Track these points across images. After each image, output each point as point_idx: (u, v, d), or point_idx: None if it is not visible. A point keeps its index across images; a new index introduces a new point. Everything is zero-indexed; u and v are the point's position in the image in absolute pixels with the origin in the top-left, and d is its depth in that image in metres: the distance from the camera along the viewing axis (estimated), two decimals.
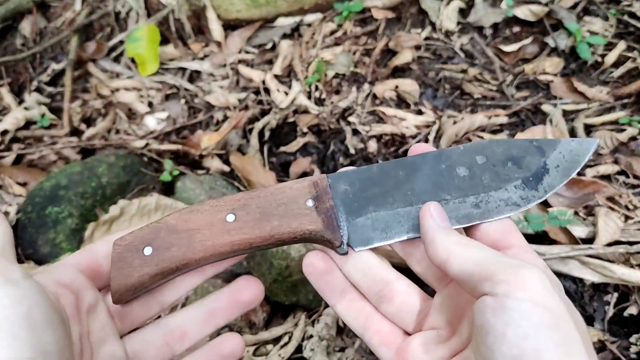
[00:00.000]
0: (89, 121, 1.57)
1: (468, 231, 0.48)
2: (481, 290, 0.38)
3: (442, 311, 0.46)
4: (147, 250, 0.46)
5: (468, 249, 0.41)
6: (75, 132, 1.51)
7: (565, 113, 1.37)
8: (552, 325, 0.34)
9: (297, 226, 0.46)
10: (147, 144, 1.42)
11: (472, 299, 0.42)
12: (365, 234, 0.47)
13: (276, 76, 1.58)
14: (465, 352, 0.40)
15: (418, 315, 0.47)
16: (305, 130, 1.43)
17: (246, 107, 1.51)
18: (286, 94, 1.53)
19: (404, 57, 1.53)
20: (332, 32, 1.67)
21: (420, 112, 1.42)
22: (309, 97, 1.51)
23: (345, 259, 0.48)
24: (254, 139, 1.42)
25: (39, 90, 1.63)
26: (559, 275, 1.02)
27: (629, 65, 1.44)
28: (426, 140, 1.35)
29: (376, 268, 0.48)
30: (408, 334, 0.47)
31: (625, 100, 1.38)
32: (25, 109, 1.53)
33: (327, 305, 1.08)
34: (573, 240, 1.06)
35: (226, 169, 1.36)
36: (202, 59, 1.69)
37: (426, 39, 1.62)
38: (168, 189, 1.30)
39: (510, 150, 0.49)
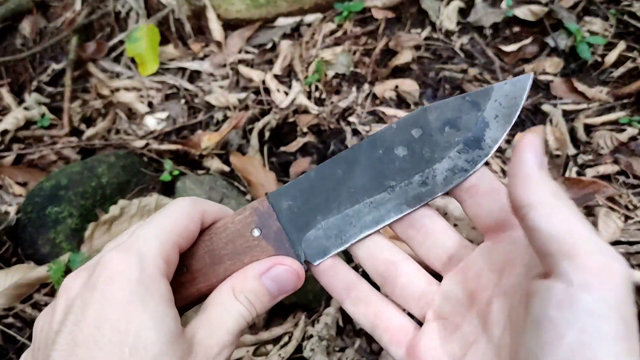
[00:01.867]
0: (89, 121, 1.57)
1: (469, 209, 0.43)
2: (555, 267, 0.31)
3: (449, 298, 0.43)
4: None
5: (564, 207, 0.33)
6: (75, 132, 1.51)
7: (565, 113, 1.37)
8: (622, 337, 0.28)
9: (249, 260, 0.44)
10: (147, 144, 1.42)
11: (483, 285, 0.39)
12: (320, 245, 0.45)
13: (276, 76, 1.58)
14: (480, 346, 0.38)
15: (422, 298, 0.44)
16: (305, 130, 1.43)
17: (246, 107, 1.51)
18: (286, 94, 1.53)
19: (404, 57, 1.54)
20: (332, 32, 1.67)
21: None
22: (309, 97, 1.51)
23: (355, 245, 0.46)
24: (254, 139, 1.42)
25: (39, 90, 1.63)
26: None
27: (629, 65, 1.44)
28: None
29: (385, 249, 0.45)
30: (420, 324, 0.45)
31: (625, 100, 1.38)
32: (25, 109, 1.53)
33: (327, 305, 1.08)
34: None
35: (226, 169, 1.36)
36: (202, 59, 1.69)
37: (426, 39, 1.62)
38: (168, 189, 1.30)
39: (445, 113, 0.45)
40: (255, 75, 1.59)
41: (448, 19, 1.63)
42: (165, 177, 1.29)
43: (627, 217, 1.10)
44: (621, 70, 1.44)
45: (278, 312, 1.13)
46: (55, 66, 1.66)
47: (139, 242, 0.39)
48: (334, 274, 0.46)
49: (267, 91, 1.55)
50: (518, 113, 0.44)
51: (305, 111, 1.46)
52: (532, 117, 1.39)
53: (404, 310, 0.46)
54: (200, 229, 0.44)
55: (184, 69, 1.67)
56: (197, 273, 0.44)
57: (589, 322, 0.28)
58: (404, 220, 0.45)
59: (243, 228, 0.45)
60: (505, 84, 0.45)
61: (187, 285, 0.44)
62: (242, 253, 0.44)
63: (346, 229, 0.45)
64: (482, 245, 0.43)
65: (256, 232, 0.45)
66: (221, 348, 0.40)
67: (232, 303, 0.42)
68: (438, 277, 0.46)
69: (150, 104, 1.60)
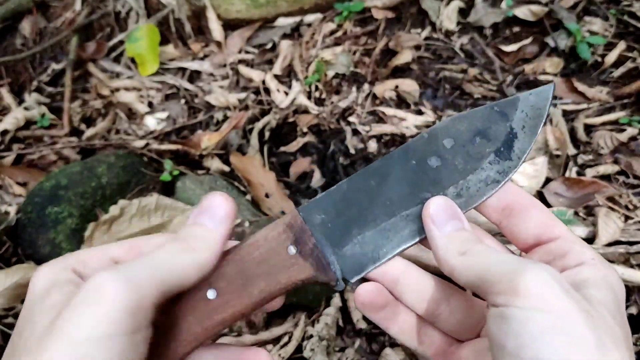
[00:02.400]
0: (89, 121, 1.57)
1: (506, 230, 0.44)
2: (489, 301, 0.36)
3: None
4: None
5: (469, 260, 0.38)
6: (75, 132, 1.51)
7: (565, 113, 1.37)
8: (554, 328, 0.32)
9: (287, 280, 0.42)
10: (147, 144, 1.42)
11: None
12: (357, 261, 0.43)
13: (276, 76, 1.58)
14: None
15: (476, 325, 0.45)
16: (305, 130, 1.43)
17: (246, 107, 1.51)
18: (286, 94, 1.53)
19: (404, 57, 1.54)
20: (332, 32, 1.67)
21: (420, 112, 1.42)
22: (309, 97, 1.51)
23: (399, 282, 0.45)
24: (254, 139, 1.42)
25: (39, 90, 1.63)
26: None
27: (629, 65, 1.44)
28: None
29: (428, 287, 0.45)
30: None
31: (625, 100, 1.38)
32: (25, 109, 1.53)
33: (327, 305, 1.08)
34: None
35: (226, 169, 1.36)
36: (202, 59, 1.69)
37: (426, 39, 1.62)
38: (168, 189, 1.30)
39: (474, 123, 0.45)
40: (255, 75, 1.59)
41: (448, 19, 1.63)
42: (165, 177, 1.29)
43: (627, 217, 1.10)
44: (621, 70, 1.44)
45: (278, 312, 1.13)
46: (55, 66, 1.66)
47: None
48: (386, 309, 0.45)
49: (267, 91, 1.55)
50: (543, 124, 0.45)
51: (305, 111, 1.46)
52: None
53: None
54: (228, 249, 0.42)
55: (184, 69, 1.67)
56: (229, 296, 0.40)
57: (519, 327, 0.33)
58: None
59: (278, 246, 0.42)
60: (530, 94, 0.45)
61: (220, 310, 0.40)
62: (279, 272, 0.41)
63: (383, 243, 0.43)
64: None
65: (292, 250, 0.42)
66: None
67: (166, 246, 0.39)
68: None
69: (150, 104, 1.60)
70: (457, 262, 0.39)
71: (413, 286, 0.45)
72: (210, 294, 0.40)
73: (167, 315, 0.39)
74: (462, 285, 0.39)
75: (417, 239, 0.43)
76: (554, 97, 1.43)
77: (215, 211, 0.40)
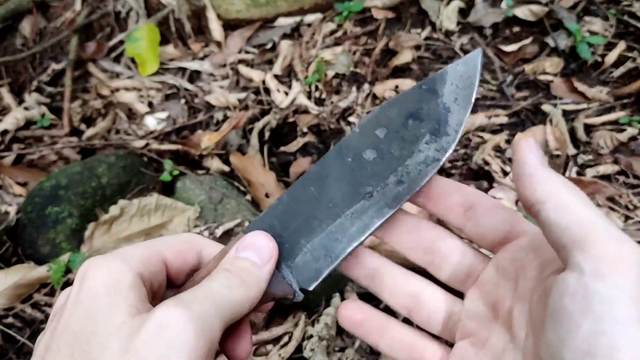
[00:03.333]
0: (89, 121, 1.57)
1: (471, 232, 0.44)
2: (569, 259, 0.31)
3: (473, 314, 0.43)
4: None
5: (575, 197, 0.33)
6: (75, 132, 1.51)
7: (565, 113, 1.37)
8: (637, 320, 0.28)
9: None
10: (147, 144, 1.42)
11: (502, 295, 0.40)
12: (311, 269, 0.43)
13: (276, 76, 1.58)
14: (509, 354, 0.38)
15: (449, 321, 0.44)
16: (305, 130, 1.43)
17: (246, 107, 1.51)
18: (286, 94, 1.53)
19: (404, 57, 1.54)
20: (332, 32, 1.67)
21: None
22: (309, 97, 1.51)
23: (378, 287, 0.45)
24: (254, 139, 1.42)
25: (39, 90, 1.63)
26: None
27: (629, 65, 1.44)
28: None
29: (404, 282, 0.45)
30: (451, 345, 0.45)
31: (625, 100, 1.38)
32: (25, 109, 1.53)
33: (327, 305, 1.08)
34: None
35: (226, 169, 1.36)
36: (202, 59, 1.69)
37: (426, 39, 1.62)
38: (168, 189, 1.30)
39: (405, 107, 0.44)
40: (255, 75, 1.59)
41: (448, 19, 1.63)
42: (165, 177, 1.29)
43: (627, 217, 1.10)
44: (621, 70, 1.44)
45: (278, 312, 1.13)
46: (55, 66, 1.66)
47: (122, 249, 0.38)
48: (369, 323, 0.46)
49: (267, 91, 1.55)
50: (475, 92, 0.44)
51: (305, 111, 1.46)
52: (532, 117, 1.39)
53: (433, 335, 0.46)
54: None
55: (184, 69, 1.67)
56: None
57: (602, 309, 0.29)
58: (418, 248, 0.45)
59: None
60: (457, 64, 0.44)
61: None
62: None
63: (333, 246, 0.43)
64: (494, 258, 0.43)
65: None
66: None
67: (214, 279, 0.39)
68: (460, 294, 0.46)
69: (150, 104, 1.60)
70: (562, 193, 0.34)
71: (389, 281, 0.45)
72: None
73: None
74: (543, 220, 0.34)
75: (367, 234, 0.43)
76: (554, 97, 1.43)
77: (262, 250, 0.41)
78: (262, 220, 0.44)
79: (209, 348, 0.33)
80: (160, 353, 0.31)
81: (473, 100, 0.43)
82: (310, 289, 0.43)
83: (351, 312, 0.46)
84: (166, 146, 1.40)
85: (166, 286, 0.42)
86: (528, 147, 0.37)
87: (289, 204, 0.44)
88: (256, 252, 0.41)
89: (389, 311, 0.49)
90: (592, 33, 1.53)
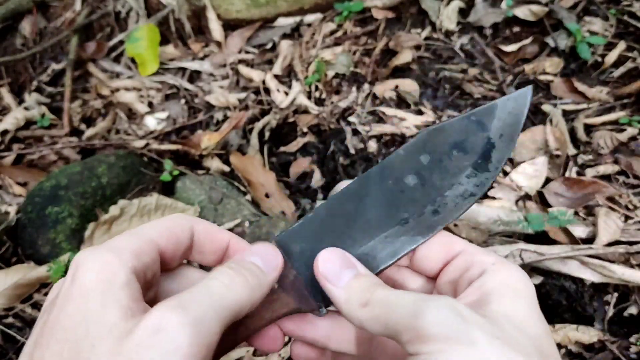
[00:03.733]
0: (89, 121, 1.57)
1: (413, 255, 0.44)
2: (404, 350, 0.34)
3: None
4: None
5: (373, 311, 0.36)
6: (75, 132, 1.51)
7: (565, 113, 1.37)
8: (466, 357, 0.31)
9: (270, 315, 0.41)
10: (147, 144, 1.42)
11: None
12: None
13: (276, 76, 1.58)
14: None
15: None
16: (305, 130, 1.43)
17: (246, 107, 1.51)
18: (286, 94, 1.53)
19: (404, 57, 1.54)
20: (332, 32, 1.67)
21: (420, 112, 1.42)
22: (309, 97, 1.51)
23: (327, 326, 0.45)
24: (254, 139, 1.42)
25: (39, 90, 1.63)
26: (559, 275, 1.02)
27: (629, 65, 1.44)
28: None
29: (355, 331, 0.44)
30: None
31: (625, 100, 1.38)
32: (25, 109, 1.53)
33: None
34: (573, 240, 1.06)
35: (226, 169, 1.36)
36: (202, 59, 1.69)
37: (426, 39, 1.62)
38: (168, 189, 1.30)
39: (451, 135, 0.44)
40: (255, 75, 1.59)
41: (448, 19, 1.63)
42: (165, 177, 1.29)
43: (627, 217, 1.10)
44: (621, 70, 1.44)
45: None
46: (55, 66, 1.66)
47: (114, 241, 0.37)
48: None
49: (267, 91, 1.55)
50: (520, 130, 0.44)
51: (305, 111, 1.46)
52: (532, 117, 1.39)
53: None
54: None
55: (184, 69, 1.67)
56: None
57: None
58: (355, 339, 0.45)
59: None
60: (507, 99, 0.44)
61: None
62: (262, 309, 0.41)
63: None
64: None
65: (274, 285, 0.42)
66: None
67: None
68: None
69: (150, 104, 1.60)
70: (363, 315, 0.37)
71: (344, 336, 0.44)
72: None
73: None
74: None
75: (396, 259, 0.43)
76: (554, 97, 1.43)
77: (269, 258, 0.41)
78: (297, 231, 0.44)
79: (206, 352, 0.32)
80: (152, 357, 0.30)
81: (517, 139, 0.44)
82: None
83: (304, 352, 0.46)
84: (166, 146, 1.40)
85: (161, 270, 0.41)
86: (317, 271, 0.41)
87: (325, 218, 0.44)
88: (263, 259, 0.41)
89: None
90: (592, 33, 1.53)
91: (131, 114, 1.58)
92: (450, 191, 0.43)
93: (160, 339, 0.31)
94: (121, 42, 1.72)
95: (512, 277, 0.38)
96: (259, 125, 1.45)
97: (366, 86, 1.50)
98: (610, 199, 1.14)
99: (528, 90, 0.44)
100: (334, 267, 0.40)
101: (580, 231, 1.07)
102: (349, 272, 0.40)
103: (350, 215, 0.44)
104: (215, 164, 1.37)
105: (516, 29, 1.61)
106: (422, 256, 0.43)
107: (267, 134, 1.44)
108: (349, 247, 0.43)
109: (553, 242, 1.06)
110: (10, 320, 1.06)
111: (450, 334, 0.31)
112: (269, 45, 1.69)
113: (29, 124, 1.52)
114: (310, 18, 1.71)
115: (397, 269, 0.46)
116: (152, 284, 0.40)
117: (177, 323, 0.31)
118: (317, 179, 1.33)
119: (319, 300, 0.42)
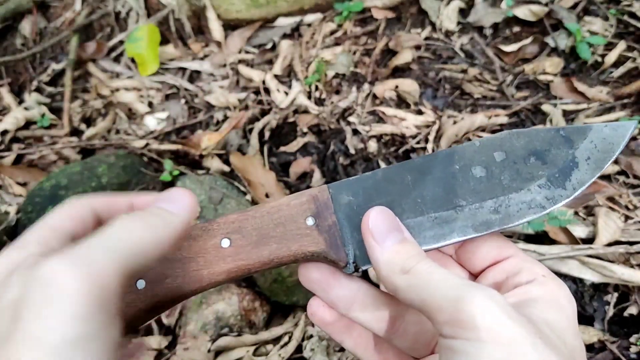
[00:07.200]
0: (89, 121, 1.57)
1: (462, 246, 0.44)
2: (436, 329, 0.34)
3: None
4: (140, 284, 0.40)
5: (412, 280, 0.36)
6: (75, 132, 1.51)
7: (565, 113, 1.37)
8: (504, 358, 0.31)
9: (297, 249, 0.42)
10: (147, 144, 1.42)
11: None
12: None
13: (276, 76, 1.58)
14: None
15: (430, 342, 0.44)
16: (305, 130, 1.43)
17: (246, 107, 1.51)
18: (286, 94, 1.53)
19: (404, 57, 1.54)
20: (332, 32, 1.67)
21: (420, 112, 1.42)
22: (309, 97, 1.51)
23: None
24: (254, 139, 1.42)
25: (39, 90, 1.63)
26: (559, 275, 1.02)
27: (629, 65, 1.44)
28: (426, 141, 1.35)
29: (382, 306, 0.44)
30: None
31: (625, 100, 1.38)
32: (25, 109, 1.53)
33: None
34: (573, 240, 1.06)
35: (226, 169, 1.36)
36: (202, 59, 1.69)
37: (426, 39, 1.62)
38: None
39: (533, 142, 0.43)
40: (255, 75, 1.59)
41: (448, 19, 1.63)
42: (165, 177, 1.29)
43: (627, 217, 1.10)
44: (621, 70, 1.44)
45: (278, 312, 1.13)
46: (55, 66, 1.66)
47: (20, 238, 0.35)
48: (337, 322, 0.46)
49: (267, 91, 1.55)
50: (612, 160, 0.42)
51: (305, 111, 1.46)
52: (532, 117, 1.39)
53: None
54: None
55: (184, 69, 1.67)
56: (241, 249, 0.42)
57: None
58: (383, 320, 0.45)
59: (298, 214, 0.43)
60: (605, 126, 0.43)
61: (228, 260, 0.41)
62: (291, 239, 0.42)
63: None
64: None
65: (310, 221, 0.42)
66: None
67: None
68: None
69: (150, 104, 1.60)
70: (400, 282, 0.37)
71: (368, 306, 0.44)
72: (225, 242, 0.42)
73: (178, 252, 0.41)
74: (407, 305, 0.37)
75: (440, 244, 0.42)
76: (554, 97, 1.43)
77: (179, 201, 0.38)
78: (350, 184, 0.44)
79: (104, 295, 0.29)
80: (47, 311, 0.27)
81: (606, 167, 0.42)
82: (363, 268, 0.42)
83: (321, 311, 0.46)
84: (166, 146, 1.40)
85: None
86: (366, 226, 0.40)
87: (380, 180, 0.44)
88: (172, 202, 0.38)
89: None
90: (592, 33, 1.53)
91: (131, 114, 1.58)
92: (517, 194, 0.42)
93: (51, 291, 0.28)
94: (121, 42, 1.72)
95: (559, 292, 0.38)
96: (259, 125, 1.45)
97: (366, 86, 1.50)
98: (610, 199, 1.14)
99: (631, 123, 0.42)
100: (383, 226, 0.40)
101: (580, 231, 1.07)
102: (396, 235, 0.40)
103: (406, 186, 0.43)
104: (215, 164, 1.37)
105: (516, 29, 1.61)
106: (471, 251, 0.43)
107: (267, 134, 1.44)
108: (396, 215, 0.42)
109: (553, 242, 1.06)
110: None
111: (493, 326, 0.31)
112: (269, 45, 1.69)
113: (29, 124, 1.52)
114: (310, 18, 1.71)
115: (440, 255, 0.45)
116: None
117: (64, 269, 0.29)
118: (317, 179, 1.33)
119: (349, 254, 0.42)
